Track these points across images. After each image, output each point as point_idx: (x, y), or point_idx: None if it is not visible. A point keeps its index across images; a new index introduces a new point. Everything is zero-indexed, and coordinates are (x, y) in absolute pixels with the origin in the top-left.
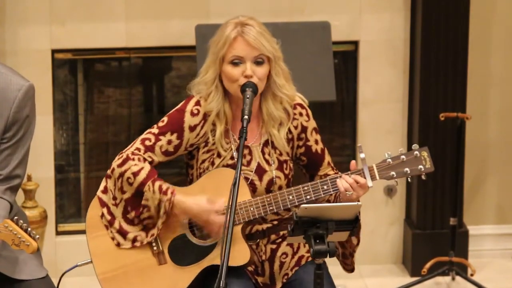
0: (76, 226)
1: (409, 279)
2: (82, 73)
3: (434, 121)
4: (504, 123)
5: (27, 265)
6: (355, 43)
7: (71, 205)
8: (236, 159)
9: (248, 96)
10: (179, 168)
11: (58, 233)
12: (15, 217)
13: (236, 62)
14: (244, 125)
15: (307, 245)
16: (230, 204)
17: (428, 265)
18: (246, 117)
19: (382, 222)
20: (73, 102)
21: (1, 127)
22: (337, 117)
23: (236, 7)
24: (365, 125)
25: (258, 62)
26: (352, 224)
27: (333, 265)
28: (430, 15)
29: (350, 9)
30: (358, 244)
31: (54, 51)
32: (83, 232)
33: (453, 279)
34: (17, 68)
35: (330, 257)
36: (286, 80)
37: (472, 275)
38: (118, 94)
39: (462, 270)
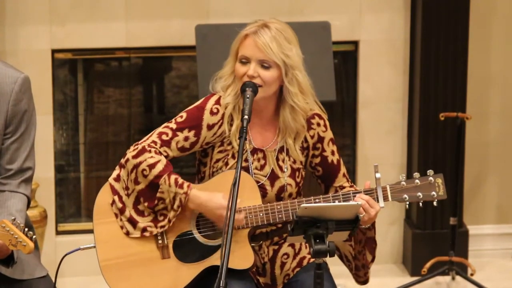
0: (76, 225)
1: (409, 279)
2: (82, 73)
3: (434, 121)
4: (504, 123)
5: (27, 265)
6: (355, 43)
7: (71, 205)
8: (250, 162)
9: (248, 96)
10: (180, 168)
11: (58, 233)
12: (12, 217)
13: (244, 61)
14: (244, 125)
15: (308, 246)
16: (230, 203)
17: (428, 265)
18: (246, 117)
19: (382, 222)
20: (73, 102)
21: (2, 122)
22: (337, 117)
23: (236, 7)
24: (365, 125)
25: (264, 66)
26: (352, 224)
27: (334, 265)
28: (430, 15)
29: (350, 9)
30: (373, 260)
31: (54, 51)
32: (83, 231)
33: (453, 279)
34: (17, 68)
35: (330, 256)
36: (301, 91)
37: (472, 274)
38: (118, 94)
39: (462, 270)
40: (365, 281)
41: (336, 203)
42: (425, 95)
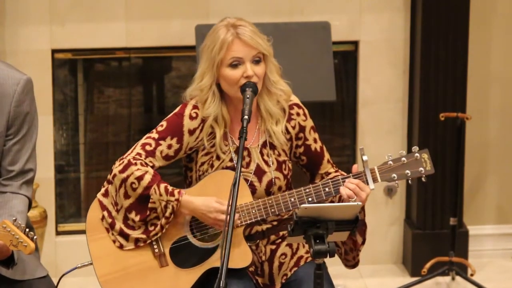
0: (76, 226)
1: (409, 279)
2: (82, 73)
3: (434, 121)
4: (504, 123)
5: (27, 265)
6: (355, 43)
7: (71, 205)
8: (235, 161)
9: (248, 96)
10: (179, 168)
11: (58, 233)
12: (13, 218)
13: (236, 64)
14: (244, 125)
15: (306, 246)
16: (230, 204)
17: (428, 265)
18: (246, 117)
19: (382, 222)
20: (73, 102)
21: (4, 123)
22: (337, 117)
23: (236, 7)
24: (365, 125)
25: (256, 61)
26: (352, 224)
27: (333, 265)
28: (430, 15)
29: (350, 9)
30: (363, 243)
31: (54, 51)
32: (83, 232)
33: (453, 279)
34: (17, 68)
35: (330, 257)
36: (279, 76)
37: (472, 275)
38: (118, 94)
39: (462, 270)
40: (354, 265)
41: (336, 203)
42: (425, 95)
